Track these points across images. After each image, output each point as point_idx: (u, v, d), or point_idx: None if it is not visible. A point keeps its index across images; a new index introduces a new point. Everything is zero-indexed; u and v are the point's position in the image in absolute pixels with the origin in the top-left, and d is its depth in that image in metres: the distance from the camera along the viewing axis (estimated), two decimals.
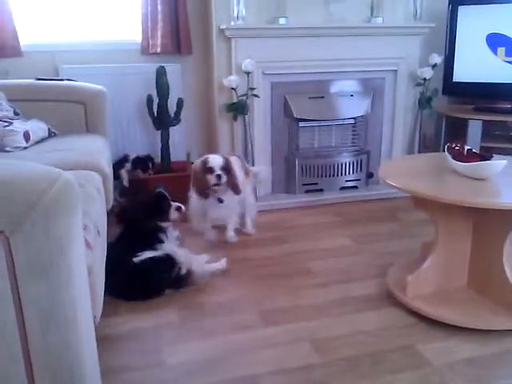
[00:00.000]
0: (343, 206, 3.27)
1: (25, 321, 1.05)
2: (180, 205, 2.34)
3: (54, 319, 1.07)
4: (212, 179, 2.47)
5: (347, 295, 2.10)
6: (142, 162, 3.23)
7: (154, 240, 2.18)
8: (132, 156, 3.24)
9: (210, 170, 2.47)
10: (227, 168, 2.50)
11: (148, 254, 2.07)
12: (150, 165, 3.24)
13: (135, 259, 2.04)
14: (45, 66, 3.15)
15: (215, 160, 2.49)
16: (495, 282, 1.91)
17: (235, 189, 2.56)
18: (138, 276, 2.03)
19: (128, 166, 3.22)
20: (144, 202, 2.33)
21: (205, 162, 2.50)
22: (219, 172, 2.46)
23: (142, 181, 3.16)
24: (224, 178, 2.47)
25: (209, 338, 1.81)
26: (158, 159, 3.28)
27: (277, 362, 1.67)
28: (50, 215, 1.02)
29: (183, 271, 2.12)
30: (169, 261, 2.10)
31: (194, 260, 2.20)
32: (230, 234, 2.68)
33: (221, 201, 2.55)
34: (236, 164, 2.62)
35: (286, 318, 1.93)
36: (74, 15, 3.25)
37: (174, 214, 2.31)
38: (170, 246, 2.21)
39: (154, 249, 2.12)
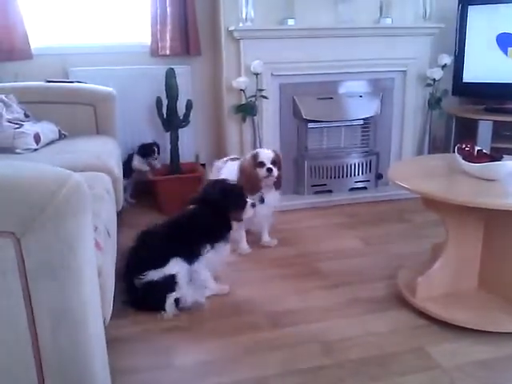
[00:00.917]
0: (352, 207, 3.26)
1: (35, 321, 1.06)
2: (254, 201, 2.21)
3: (64, 320, 1.08)
4: (263, 173, 2.45)
5: (357, 297, 2.10)
6: (147, 149, 3.26)
7: (217, 237, 2.04)
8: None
9: (262, 164, 2.46)
10: (277, 162, 2.50)
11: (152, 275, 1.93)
12: (156, 150, 3.26)
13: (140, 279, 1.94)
14: (55, 69, 3.17)
15: (266, 154, 2.50)
16: (506, 283, 1.89)
17: (278, 184, 2.54)
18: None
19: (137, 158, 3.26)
20: (229, 189, 2.12)
21: (255, 157, 2.49)
22: (270, 165, 2.46)
23: (152, 182, 3.17)
24: (275, 172, 2.46)
25: (218, 340, 1.81)
26: (167, 161, 3.28)
27: (286, 363, 1.66)
28: (60, 217, 1.02)
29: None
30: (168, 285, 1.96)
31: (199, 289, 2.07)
32: (268, 237, 2.67)
33: (262, 200, 2.50)
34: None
35: (296, 320, 1.93)
36: (84, 18, 3.28)
37: (249, 212, 2.15)
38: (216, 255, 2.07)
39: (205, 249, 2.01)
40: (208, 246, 2.02)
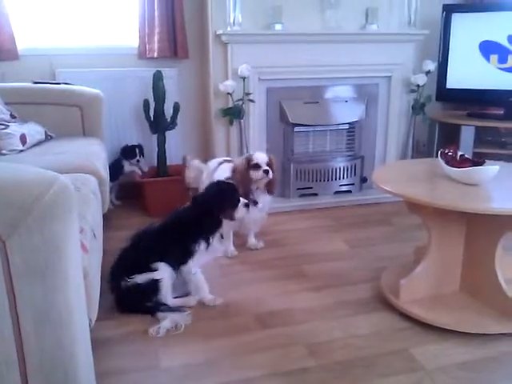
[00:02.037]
0: (337, 210, 3.29)
1: (20, 323, 1.06)
2: (248, 201, 2.15)
3: (49, 322, 1.08)
4: (259, 175, 2.46)
5: (341, 299, 2.12)
6: (130, 151, 3.26)
7: (206, 236, 2.02)
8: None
9: (256, 166, 2.47)
10: (270, 165, 2.51)
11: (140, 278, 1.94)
12: (138, 152, 3.26)
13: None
14: (42, 70, 3.16)
15: (261, 156, 2.51)
16: (487, 286, 1.93)
17: (271, 187, 2.55)
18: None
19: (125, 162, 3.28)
20: (222, 187, 2.11)
21: (249, 159, 2.50)
22: (266, 167, 2.47)
23: (139, 184, 3.17)
24: (271, 174, 2.47)
25: (204, 341, 1.82)
26: (154, 163, 3.28)
27: (272, 365, 1.68)
28: (46, 219, 1.02)
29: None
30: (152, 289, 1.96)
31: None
32: (254, 240, 2.68)
33: (256, 203, 2.50)
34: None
35: (281, 322, 1.94)
36: (72, 19, 3.26)
37: (241, 211, 2.11)
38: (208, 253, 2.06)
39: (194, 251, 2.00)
40: (201, 244, 2.00)
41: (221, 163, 2.73)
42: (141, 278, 1.93)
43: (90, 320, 1.40)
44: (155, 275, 1.95)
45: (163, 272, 1.96)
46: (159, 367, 1.67)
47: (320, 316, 1.98)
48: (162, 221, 2.08)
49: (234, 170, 2.54)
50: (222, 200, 2.04)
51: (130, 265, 1.97)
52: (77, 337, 1.15)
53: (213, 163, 2.78)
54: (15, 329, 1.06)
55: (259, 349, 1.77)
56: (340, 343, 1.80)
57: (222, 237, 2.23)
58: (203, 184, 2.73)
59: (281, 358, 1.71)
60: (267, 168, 2.48)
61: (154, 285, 1.94)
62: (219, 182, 2.19)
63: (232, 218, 2.11)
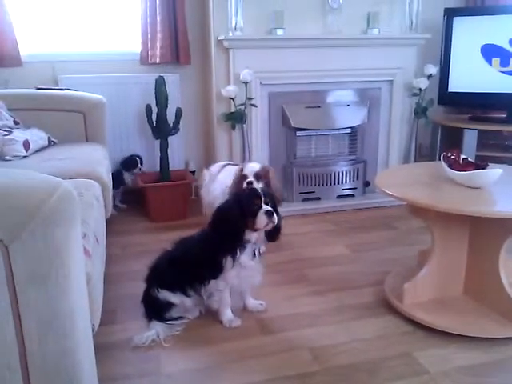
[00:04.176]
0: (340, 214, 3.29)
1: (23, 329, 1.05)
2: (271, 209, 1.81)
3: (52, 328, 1.07)
4: (244, 185, 2.37)
5: (344, 303, 2.11)
6: (130, 162, 3.30)
7: (231, 250, 1.84)
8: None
9: (244, 177, 2.40)
10: (262, 177, 2.41)
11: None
12: (139, 162, 3.30)
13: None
14: (44, 76, 3.18)
15: (250, 167, 2.45)
16: (491, 289, 1.92)
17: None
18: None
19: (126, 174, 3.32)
20: (237, 197, 1.90)
21: (241, 169, 2.46)
22: (251, 179, 2.39)
23: (141, 189, 3.17)
24: (256, 185, 2.29)
25: (206, 346, 1.81)
26: (156, 168, 3.29)
27: (275, 369, 1.67)
28: (49, 224, 1.02)
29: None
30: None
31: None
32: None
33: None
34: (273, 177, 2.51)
35: (284, 326, 1.94)
36: (74, 26, 3.28)
37: (262, 221, 1.80)
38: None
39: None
40: (227, 259, 1.85)
41: (224, 166, 2.73)
42: (162, 295, 1.91)
43: (93, 325, 1.39)
44: (173, 298, 1.92)
45: (182, 299, 1.94)
46: (162, 373, 1.67)
47: (323, 320, 1.98)
48: (199, 231, 1.96)
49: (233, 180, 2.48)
50: (239, 208, 1.81)
51: (160, 276, 1.95)
52: (80, 342, 1.14)
53: (215, 167, 2.78)
54: (18, 334, 1.05)
55: (262, 354, 1.76)
56: (344, 347, 1.79)
57: (258, 253, 1.92)
58: (206, 189, 2.72)
59: (284, 363, 1.71)
60: (252, 179, 2.38)
61: (168, 305, 1.92)
62: (240, 190, 2.02)
63: (253, 228, 1.83)
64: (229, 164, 2.76)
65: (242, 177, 2.44)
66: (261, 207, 1.80)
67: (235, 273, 1.88)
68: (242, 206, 1.81)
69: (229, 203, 1.88)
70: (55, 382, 1.11)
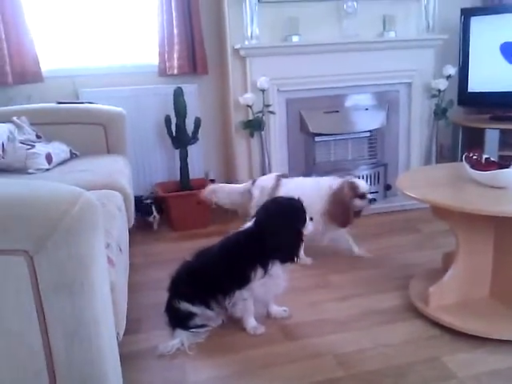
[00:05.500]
0: (362, 218, 3.22)
1: (49, 338, 1.07)
2: (312, 217, 1.91)
3: (77, 336, 1.09)
4: (363, 204, 2.42)
5: (369, 308, 2.09)
6: (144, 206, 3.16)
7: (266, 261, 1.83)
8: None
9: (363, 196, 2.42)
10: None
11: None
12: (154, 209, 3.15)
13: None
14: (65, 90, 3.23)
15: (362, 183, 2.45)
16: None
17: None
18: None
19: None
20: (287, 204, 1.88)
21: (353, 187, 2.42)
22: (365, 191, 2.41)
23: (162, 199, 3.19)
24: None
25: (232, 354, 1.81)
26: (177, 177, 3.31)
27: (301, 376, 1.66)
28: (72, 234, 1.04)
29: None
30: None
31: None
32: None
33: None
34: None
35: (308, 332, 1.93)
36: (93, 40, 3.34)
37: (309, 229, 1.91)
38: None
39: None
40: (257, 270, 1.84)
41: (278, 179, 2.61)
42: (183, 306, 1.91)
43: (118, 334, 1.40)
44: (194, 309, 1.92)
45: (203, 310, 1.93)
46: (187, 381, 1.67)
47: (348, 326, 1.96)
48: (220, 242, 1.94)
49: (333, 198, 2.41)
50: (291, 217, 1.83)
51: (180, 288, 1.95)
52: (105, 351, 1.15)
53: (267, 180, 2.66)
54: (45, 344, 1.07)
55: (287, 360, 1.75)
56: (370, 353, 1.77)
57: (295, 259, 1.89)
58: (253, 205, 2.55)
59: (309, 369, 1.69)
60: (365, 192, 2.40)
61: (191, 315, 1.92)
62: (283, 198, 1.98)
63: (301, 237, 1.87)
64: (281, 176, 2.63)
65: (359, 195, 2.42)
66: (306, 217, 1.88)
67: (262, 282, 1.87)
68: (299, 219, 1.86)
69: (287, 217, 1.84)
70: None
